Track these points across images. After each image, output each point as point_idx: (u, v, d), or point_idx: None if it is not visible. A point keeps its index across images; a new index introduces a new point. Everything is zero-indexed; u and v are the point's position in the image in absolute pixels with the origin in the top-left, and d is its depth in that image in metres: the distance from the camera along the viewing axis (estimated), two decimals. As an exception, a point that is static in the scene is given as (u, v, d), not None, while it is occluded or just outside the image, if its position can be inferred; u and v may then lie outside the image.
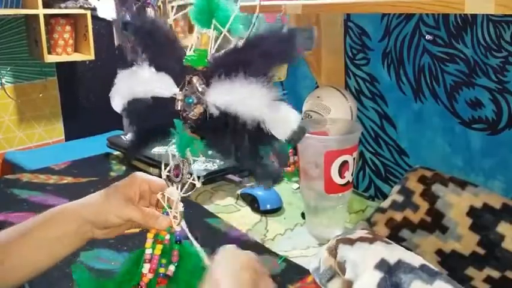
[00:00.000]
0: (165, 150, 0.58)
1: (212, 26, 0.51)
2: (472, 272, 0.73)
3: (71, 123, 2.45)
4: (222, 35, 0.51)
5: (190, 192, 0.57)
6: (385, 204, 0.85)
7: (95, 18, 2.22)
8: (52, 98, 2.38)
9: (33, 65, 2.27)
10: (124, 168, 1.25)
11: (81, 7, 2.13)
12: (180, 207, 0.58)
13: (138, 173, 0.62)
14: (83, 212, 0.58)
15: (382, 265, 0.61)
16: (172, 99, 0.52)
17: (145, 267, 0.57)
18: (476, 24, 0.85)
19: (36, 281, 0.73)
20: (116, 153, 1.34)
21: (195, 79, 0.51)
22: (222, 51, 0.51)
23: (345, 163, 0.81)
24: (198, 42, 0.53)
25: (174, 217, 0.58)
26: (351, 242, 0.67)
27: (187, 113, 0.52)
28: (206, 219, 0.95)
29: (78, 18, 2.18)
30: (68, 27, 2.17)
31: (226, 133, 0.51)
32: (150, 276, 0.57)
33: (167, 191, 0.58)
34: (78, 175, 1.20)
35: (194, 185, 0.58)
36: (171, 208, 0.58)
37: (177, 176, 0.57)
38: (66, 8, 2.10)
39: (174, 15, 0.55)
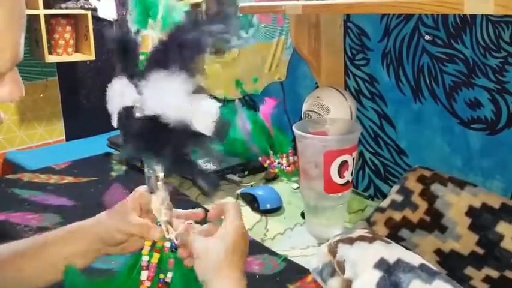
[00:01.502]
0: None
1: (148, 26, 0.51)
2: (471, 271, 0.74)
3: (71, 123, 2.45)
4: (155, 34, 0.51)
5: (165, 204, 0.57)
6: (385, 203, 0.85)
7: (96, 18, 2.23)
8: (53, 98, 2.38)
9: (34, 65, 2.28)
10: (124, 168, 1.25)
11: (81, 7, 2.13)
12: (163, 215, 0.58)
13: (141, 187, 0.62)
14: (94, 230, 0.59)
15: (381, 264, 0.61)
16: (133, 108, 0.51)
17: (143, 275, 0.57)
18: (475, 25, 0.85)
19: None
20: (117, 153, 1.35)
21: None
22: (150, 50, 0.50)
23: (344, 163, 0.81)
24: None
25: (166, 225, 0.58)
26: (350, 241, 0.67)
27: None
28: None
29: (79, 18, 2.18)
30: (68, 28, 2.17)
31: (153, 137, 0.50)
32: (148, 284, 0.57)
33: (153, 202, 0.59)
34: (79, 175, 1.20)
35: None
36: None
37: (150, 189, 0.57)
38: (66, 8, 2.10)
39: None
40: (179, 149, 0.50)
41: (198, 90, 0.47)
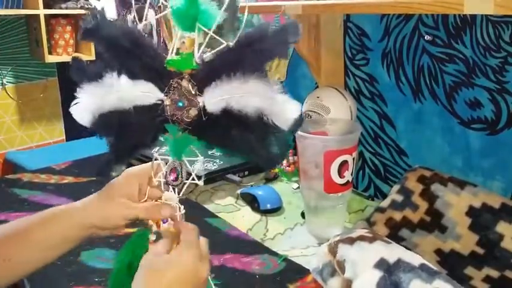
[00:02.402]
0: (154, 156, 0.58)
1: (196, 29, 0.51)
2: (471, 271, 0.74)
3: (71, 123, 2.43)
4: (208, 37, 0.51)
5: (189, 192, 0.57)
6: (385, 203, 0.85)
7: (96, 18, 2.23)
8: (53, 98, 2.38)
9: (34, 65, 2.28)
10: (124, 168, 1.25)
11: (81, 7, 2.13)
12: (181, 209, 0.57)
13: (132, 170, 0.62)
14: (87, 217, 0.58)
15: (381, 264, 0.61)
16: (156, 106, 0.52)
17: None
18: (475, 25, 0.85)
19: (37, 280, 0.73)
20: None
21: (184, 82, 0.51)
22: (213, 53, 0.51)
23: (344, 163, 0.81)
24: (180, 45, 0.52)
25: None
26: (350, 241, 0.67)
27: (179, 117, 0.51)
28: (206, 218, 0.95)
29: (79, 18, 2.18)
30: (68, 28, 2.17)
31: (229, 131, 0.52)
32: None
33: (165, 197, 0.58)
34: (79, 175, 1.20)
35: (196, 184, 0.58)
36: None
37: (175, 180, 0.56)
38: (66, 8, 2.10)
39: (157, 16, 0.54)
40: (254, 140, 0.52)
41: (277, 90, 0.50)
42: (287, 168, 1.17)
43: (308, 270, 0.73)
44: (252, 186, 1.09)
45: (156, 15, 1.98)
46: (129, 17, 2.19)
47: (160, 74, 0.52)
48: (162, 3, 0.55)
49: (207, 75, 0.50)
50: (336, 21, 1.07)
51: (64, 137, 2.45)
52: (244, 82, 0.49)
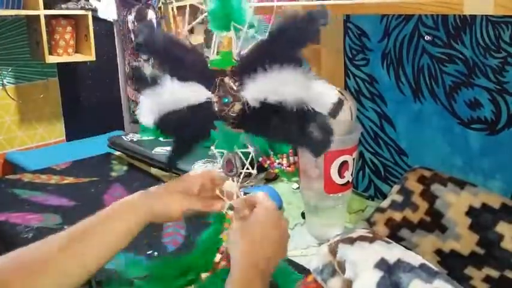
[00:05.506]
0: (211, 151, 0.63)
1: (232, 28, 0.55)
2: (471, 271, 0.74)
3: (71, 123, 2.46)
4: (243, 33, 0.55)
5: (248, 181, 0.63)
6: (385, 204, 0.85)
7: (96, 19, 2.23)
8: (53, 99, 2.38)
9: (34, 66, 2.28)
10: (125, 168, 1.25)
11: (82, 8, 2.13)
12: (242, 195, 0.64)
13: (193, 172, 0.67)
14: (150, 205, 0.61)
15: (381, 264, 0.62)
16: (206, 104, 0.56)
17: (218, 257, 0.64)
18: (475, 25, 0.85)
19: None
20: (117, 153, 1.35)
21: (226, 79, 0.54)
22: (248, 48, 0.55)
23: (344, 163, 0.81)
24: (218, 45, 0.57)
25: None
26: (350, 241, 0.67)
27: (226, 112, 0.55)
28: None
29: (79, 19, 2.18)
30: (69, 28, 2.17)
31: (272, 121, 0.55)
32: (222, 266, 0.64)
33: (226, 186, 0.64)
34: (79, 175, 1.20)
35: (250, 173, 0.63)
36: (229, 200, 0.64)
37: (230, 171, 0.62)
38: (67, 8, 2.10)
39: (188, 21, 0.60)
40: (296, 127, 0.55)
41: (312, 77, 0.53)
42: (287, 168, 1.17)
43: (308, 270, 0.73)
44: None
45: (155, 15, 1.98)
46: (130, 18, 2.19)
47: (206, 74, 0.56)
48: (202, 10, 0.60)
49: (245, 69, 0.54)
50: (336, 22, 1.07)
51: (64, 137, 2.45)
52: (280, 73, 0.51)
